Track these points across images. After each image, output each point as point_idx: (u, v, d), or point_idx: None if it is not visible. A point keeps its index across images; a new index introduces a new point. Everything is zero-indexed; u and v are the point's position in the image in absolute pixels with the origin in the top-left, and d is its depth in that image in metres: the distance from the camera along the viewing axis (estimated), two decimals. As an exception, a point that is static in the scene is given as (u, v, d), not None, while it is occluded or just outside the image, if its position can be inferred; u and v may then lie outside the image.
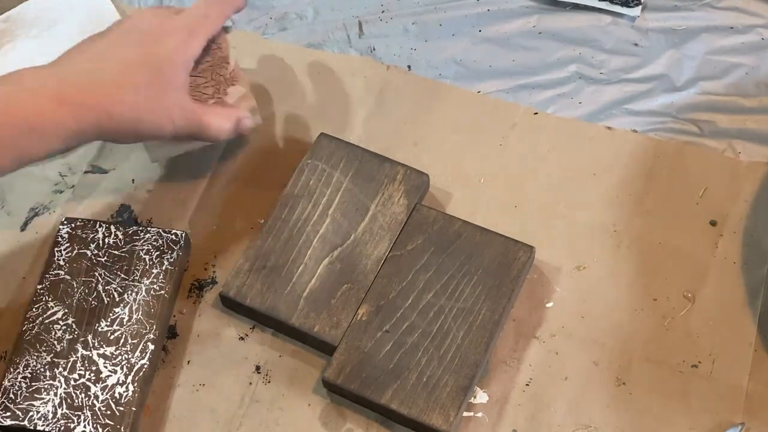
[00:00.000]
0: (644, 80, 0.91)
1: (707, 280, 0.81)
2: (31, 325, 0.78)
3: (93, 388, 0.75)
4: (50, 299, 0.79)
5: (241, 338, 0.81)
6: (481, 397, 0.77)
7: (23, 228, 0.86)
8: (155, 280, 0.79)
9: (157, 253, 0.80)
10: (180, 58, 0.76)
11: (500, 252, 0.80)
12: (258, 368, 0.80)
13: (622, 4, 0.94)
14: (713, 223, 0.83)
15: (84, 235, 0.82)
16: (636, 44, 0.93)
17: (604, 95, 0.90)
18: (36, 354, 0.76)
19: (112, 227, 0.82)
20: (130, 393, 0.75)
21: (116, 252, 0.81)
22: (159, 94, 0.75)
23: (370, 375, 0.75)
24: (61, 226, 0.82)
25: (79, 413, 0.74)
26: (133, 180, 0.88)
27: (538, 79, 0.92)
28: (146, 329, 0.77)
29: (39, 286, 0.80)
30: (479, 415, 0.77)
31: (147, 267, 0.80)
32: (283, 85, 0.93)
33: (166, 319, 0.79)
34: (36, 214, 0.87)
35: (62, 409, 0.74)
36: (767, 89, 0.89)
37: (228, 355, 0.80)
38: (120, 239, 0.81)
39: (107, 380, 0.75)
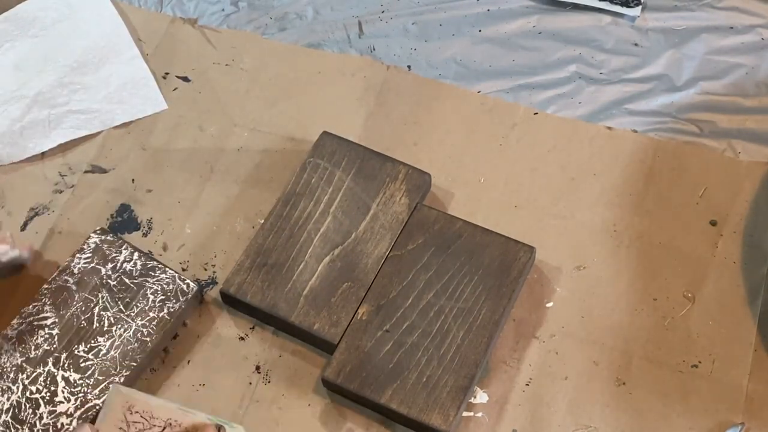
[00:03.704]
0: (644, 80, 0.91)
1: (707, 280, 0.81)
2: (20, 321, 0.77)
3: (42, 408, 0.74)
4: (48, 302, 0.79)
5: (242, 338, 0.81)
6: (481, 397, 0.77)
7: (23, 228, 0.86)
8: (147, 324, 0.78)
9: (162, 297, 0.79)
10: None
11: (500, 252, 0.80)
12: (258, 368, 0.79)
13: (622, 4, 0.94)
14: (713, 223, 0.83)
15: (108, 252, 0.81)
16: (636, 44, 0.93)
17: (604, 95, 0.90)
18: (11, 351, 0.76)
19: (136, 254, 0.80)
20: (72, 428, 0.74)
21: (127, 280, 0.79)
22: None
23: (369, 374, 0.75)
24: (92, 235, 0.81)
25: (19, 427, 0.74)
26: (133, 180, 0.88)
27: (538, 79, 0.92)
28: (115, 371, 0.76)
29: (45, 287, 0.80)
30: (479, 415, 0.77)
31: (146, 308, 0.78)
32: (283, 85, 0.93)
33: (139, 369, 0.77)
34: (36, 214, 0.87)
35: (6, 417, 0.74)
36: (767, 89, 0.89)
37: (228, 355, 0.80)
38: (137, 269, 0.80)
39: (57, 406, 0.74)
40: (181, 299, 0.79)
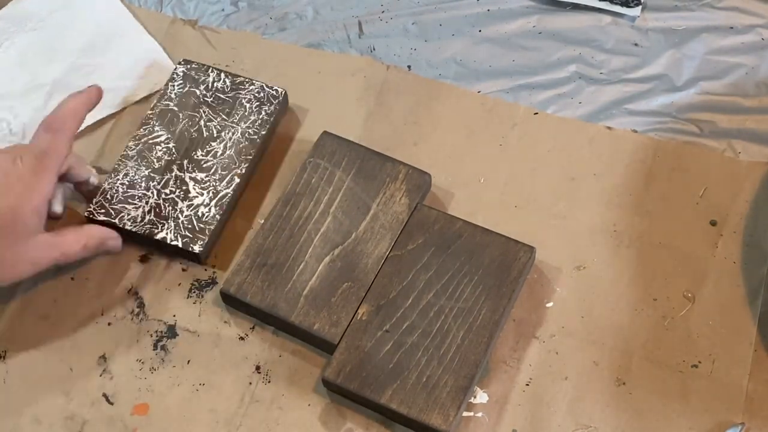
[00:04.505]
0: (644, 80, 0.91)
1: (707, 280, 0.81)
2: (136, 142, 0.86)
3: (180, 204, 0.83)
4: (157, 124, 0.87)
5: (241, 338, 0.81)
6: (481, 397, 0.77)
7: (23, 228, 0.86)
8: (251, 126, 0.86)
9: (257, 103, 0.87)
10: (28, 207, 0.73)
11: (500, 252, 0.80)
12: (258, 368, 0.79)
13: (622, 4, 0.94)
14: (713, 223, 0.83)
15: (196, 77, 0.89)
16: (636, 44, 0.93)
17: (604, 95, 0.90)
18: (136, 167, 0.85)
19: (222, 74, 0.89)
20: (212, 214, 0.82)
21: (222, 96, 0.88)
22: (11, 248, 0.73)
23: (370, 374, 0.75)
24: (177, 65, 0.90)
25: (164, 222, 0.82)
26: (133, 180, 0.89)
27: (538, 79, 0.92)
28: (236, 164, 0.85)
29: (149, 112, 0.88)
30: (479, 415, 0.77)
31: (246, 113, 0.87)
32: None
33: (255, 161, 0.86)
34: (36, 214, 0.87)
35: (150, 216, 0.83)
36: (767, 89, 0.89)
37: (228, 355, 0.80)
38: (227, 86, 0.88)
39: (194, 200, 0.83)
40: (273, 102, 0.87)
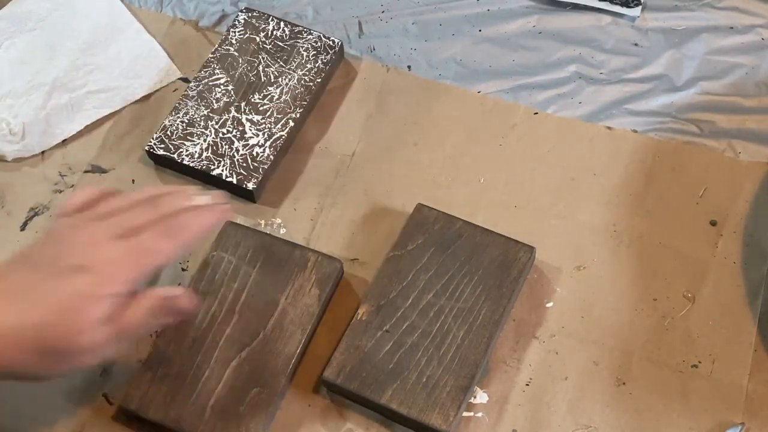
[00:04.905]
0: (644, 80, 0.91)
1: (707, 280, 0.81)
2: (197, 83, 0.90)
3: (236, 143, 0.86)
4: (217, 67, 0.91)
5: (241, 338, 0.81)
6: (481, 397, 0.77)
7: (23, 228, 0.86)
8: (307, 73, 0.90)
9: (314, 52, 0.91)
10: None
11: (501, 252, 0.80)
12: (258, 368, 0.79)
13: (622, 4, 0.94)
14: (713, 223, 0.83)
15: (257, 24, 0.92)
16: (636, 44, 0.93)
17: (604, 95, 0.90)
18: (195, 106, 0.88)
19: (282, 23, 0.93)
20: (266, 154, 0.86)
21: (280, 43, 0.91)
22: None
23: (369, 375, 0.75)
24: (239, 13, 0.93)
25: (220, 159, 0.86)
26: (133, 180, 0.88)
27: (538, 79, 0.92)
28: (291, 109, 0.88)
29: (210, 55, 0.91)
30: (479, 415, 0.77)
31: (303, 61, 0.90)
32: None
33: (309, 106, 0.89)
34: (36, 214, 0.87)
35: (207, 153, 0.86)
36: (767, 89, 0.89)
37: (228, 355, 0.80)
38: (286, 34, 0.92)
39: (249, 140, 0.86)
40: (330, 52, 0.90)
